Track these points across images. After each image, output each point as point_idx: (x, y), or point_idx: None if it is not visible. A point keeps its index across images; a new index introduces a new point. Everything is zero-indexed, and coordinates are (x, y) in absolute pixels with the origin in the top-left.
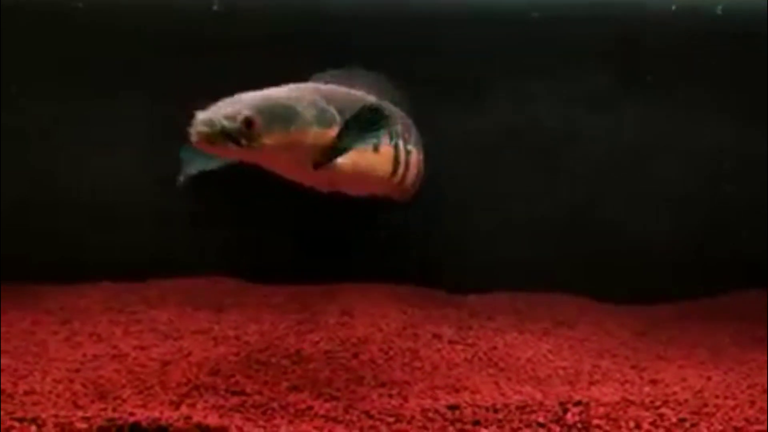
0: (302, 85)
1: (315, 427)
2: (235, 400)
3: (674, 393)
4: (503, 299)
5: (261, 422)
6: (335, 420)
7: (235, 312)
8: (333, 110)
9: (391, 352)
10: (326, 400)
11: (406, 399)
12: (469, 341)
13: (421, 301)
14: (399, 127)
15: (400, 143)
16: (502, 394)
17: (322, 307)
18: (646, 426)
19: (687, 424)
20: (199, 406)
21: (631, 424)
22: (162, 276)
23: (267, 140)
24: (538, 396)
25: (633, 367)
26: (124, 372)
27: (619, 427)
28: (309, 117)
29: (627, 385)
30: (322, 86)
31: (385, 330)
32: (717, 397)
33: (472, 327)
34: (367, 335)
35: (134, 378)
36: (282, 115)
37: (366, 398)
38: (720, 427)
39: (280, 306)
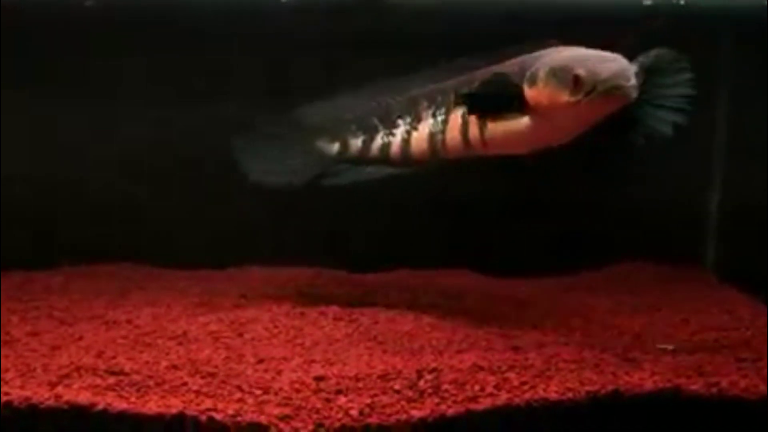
0: None
1: (183, 401)
2: (112, 379)
3: (527, 359)
4: (402, 276)
5: (133, 399)
6: (206, 394)
7: (135, 297)
8: None
9: (276, 330)
10: (202, 377)
11: (279, 373)
12: (353, 317)
13: (323, 282)
14: None
15: None
16: (369, 365)
17: (223, 291)
18: (489, 389)
19: (526, 387)
20: (75, 386)
21: (477, 387)
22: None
23: None
24: (400, 365)
25: (503, 335)
26: (12, 357)
27: (465, 391)
28: None
29: (488, 353)
30: None
31: (274, 310)
32: (565, 361)
33: (364, 303)
34: (256, 316)
35: (20, 362)
36: None
37: (241, 374)
38: (554, 388)
39: (181, 290)
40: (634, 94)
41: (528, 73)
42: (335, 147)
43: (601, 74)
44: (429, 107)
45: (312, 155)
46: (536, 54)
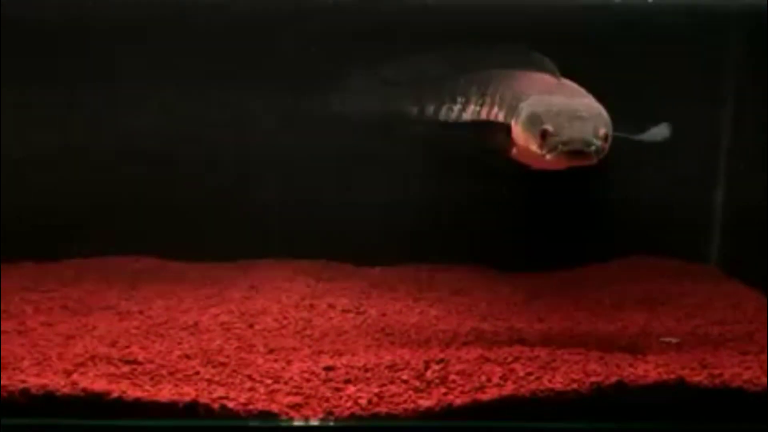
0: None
1: (196, 389)
2: (126, 368)
3: (532, 351)
4: (408, 271)
5: (147, 387)
6: (218, 383)
7: (146, 288)
8: None
9: (285, 322)
10: (214, 366)
11: (289, 363)
12: (362, 309)
13: (330, 275)
14: None
15: None
16: (377, 356)
17: (232, 283)
18: (495, 380)
19: (532, 378)
20: (90, 374)
21: (483, 378)
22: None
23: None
24: (408, 356)
25: (508, 328)
26: (27, 346)
27: (471, 382)
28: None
29: (494, 345)
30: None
31: (284, 302)
32: (570, 353)
33: (371, 296)
34: (266, 307)
35: (36, 351)
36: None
37: (252, 364)
38: (560, 379)
39: (192, 282)
40: (600, 155)
41: (518, 107)
42: (415, 110)
43: (563, 136)
44: (478, 92)
45: (396, 113)
46: (532, 81)
